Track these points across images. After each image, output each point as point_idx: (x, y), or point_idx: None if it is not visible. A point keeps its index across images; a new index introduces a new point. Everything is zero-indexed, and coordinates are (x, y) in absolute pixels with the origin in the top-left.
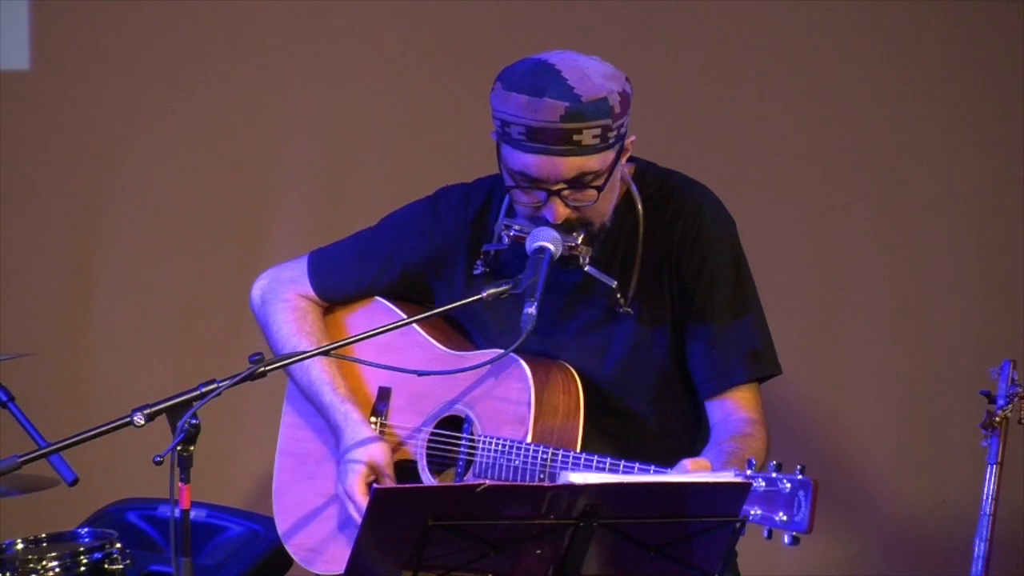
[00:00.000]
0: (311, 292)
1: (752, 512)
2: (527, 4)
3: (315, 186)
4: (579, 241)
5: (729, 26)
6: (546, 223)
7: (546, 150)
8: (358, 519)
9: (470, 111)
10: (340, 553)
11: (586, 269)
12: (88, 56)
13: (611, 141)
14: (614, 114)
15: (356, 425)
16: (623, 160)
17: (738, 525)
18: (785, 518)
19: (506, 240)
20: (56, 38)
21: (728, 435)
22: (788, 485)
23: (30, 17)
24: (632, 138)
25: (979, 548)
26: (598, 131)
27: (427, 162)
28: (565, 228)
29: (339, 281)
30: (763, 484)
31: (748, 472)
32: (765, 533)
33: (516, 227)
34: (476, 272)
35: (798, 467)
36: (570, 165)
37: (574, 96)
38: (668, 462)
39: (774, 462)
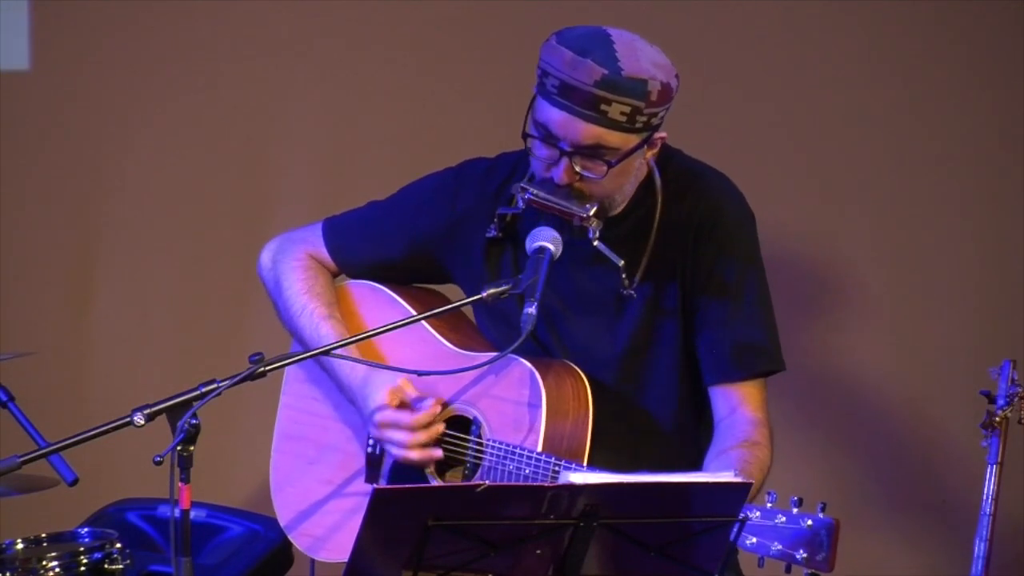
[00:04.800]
0: (324, 254)
1: (773, 547)
2: (527, 4)
3: (315, 186)
4: (591, 212)
5: (728, 26)
6: (551, 184)
7: (572, 109)
8: (400, 441)
9: (471, 111)
10: (344, 541)
11: (595, 244)
12: (88, 56)
13: (638, 125)
14: (649, 100)
15: (372, 373)
16: (648, 154)
17: (738, 526)
18: (806, 555)
19: (521, 203)
20: (56, 38)
21: (735, 441)
22: (810, 523)
23: (30, 17)
24: (663, 134)
25: (979, 548)
26: (627, 109)
27: (427, 162)
28: (578, 197)
29: (356, 247)
30: (783, 520)
31: (768, 506)
32: (785, 567)
33: (533, 191)
34: (489, 235)
35: (820, 505)
36: (590, 132)
37: (616, 67)
38: (678, 462)
39: (795, 497)
